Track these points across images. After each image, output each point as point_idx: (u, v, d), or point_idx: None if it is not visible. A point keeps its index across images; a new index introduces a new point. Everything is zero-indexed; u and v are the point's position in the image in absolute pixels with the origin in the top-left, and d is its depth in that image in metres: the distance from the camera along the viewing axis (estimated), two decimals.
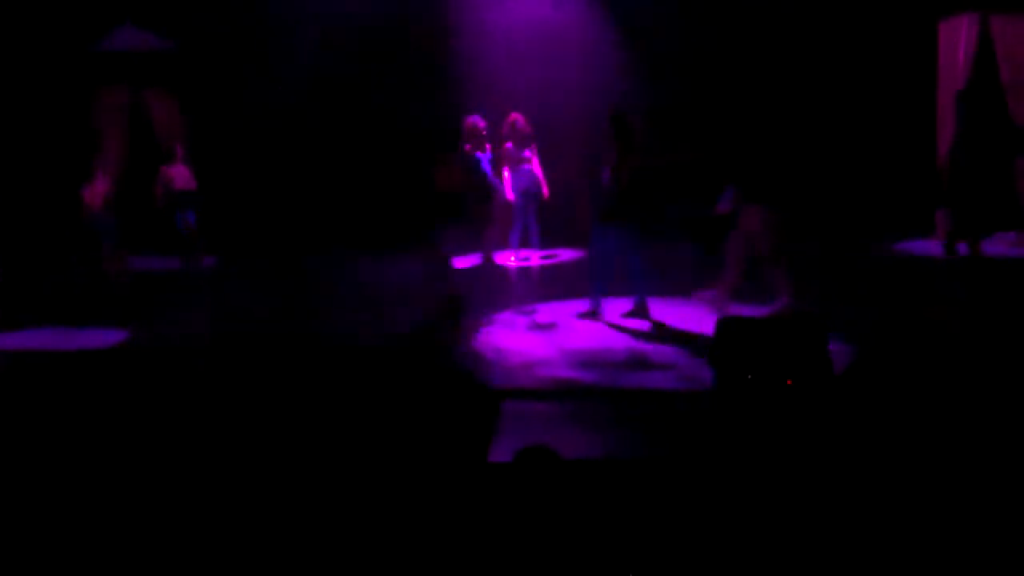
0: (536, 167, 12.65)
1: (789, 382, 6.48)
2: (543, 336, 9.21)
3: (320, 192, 14.70)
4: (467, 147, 12.21)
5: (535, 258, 12.91)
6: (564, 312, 10.03)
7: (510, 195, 12.48)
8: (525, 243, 12.93)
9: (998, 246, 12.76)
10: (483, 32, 14.17)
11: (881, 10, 13.63)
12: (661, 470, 5.10)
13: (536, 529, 2.67)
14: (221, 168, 14.64)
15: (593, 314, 9.64)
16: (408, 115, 14.24)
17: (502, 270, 12.60)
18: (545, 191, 12.65)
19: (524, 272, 12.59)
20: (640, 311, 9.59)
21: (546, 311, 10.12)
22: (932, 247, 12.42)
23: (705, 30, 14.13)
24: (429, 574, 2.50)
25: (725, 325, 7.13)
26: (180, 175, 13.66)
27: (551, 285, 11.48)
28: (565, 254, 13.67)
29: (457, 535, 2.56)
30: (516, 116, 12.58)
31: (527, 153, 12.56)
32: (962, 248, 11.39)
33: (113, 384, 8.20)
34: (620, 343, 8.84)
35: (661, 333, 9.11)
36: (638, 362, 8.25)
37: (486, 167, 12.32)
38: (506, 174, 12.50)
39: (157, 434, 6.23)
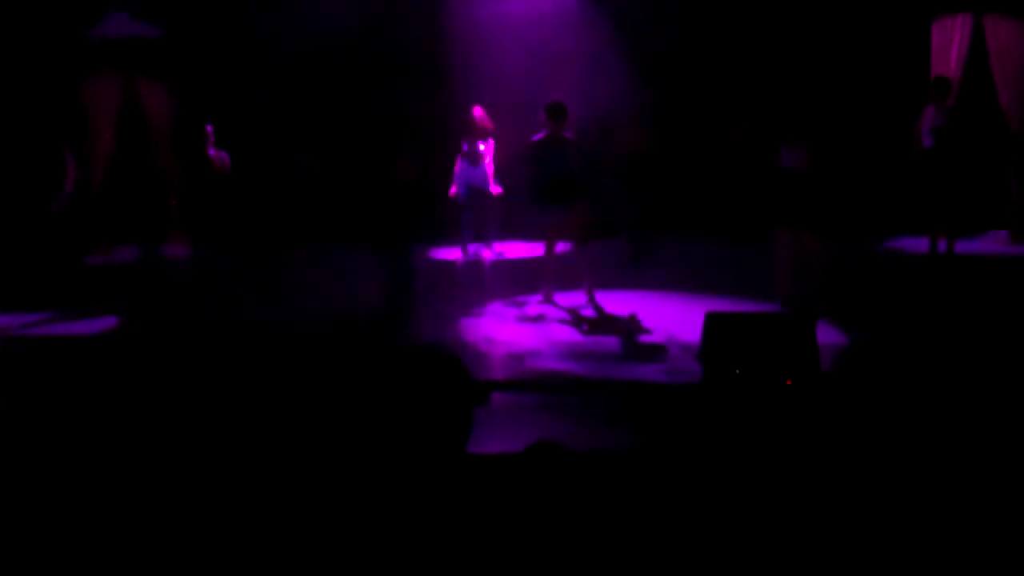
0: (488, 163, 12.61)
1: (779, 379, 6.51)
2: (533, 328, 9.21)
3: (308, 183, 14.66)
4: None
5: (488, 254, 12.94)
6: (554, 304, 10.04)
7: (453, 190, 12.59)
8: (478, 238, 12.98)
9: (991, 244, 12.79)
10: (476, 26, 14.13)
11: (874, 10, 13.63)
12: (648, 463, 5.10)
13: (530, 523, 2.66)
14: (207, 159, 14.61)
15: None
16: (398, 107, 14.21)
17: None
18: (493, 188, 12.64)
19: (473, 267, 12.63)
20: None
21: (536, 303, 10.12)
22: (919, 245, 12.44)
23: (696, 29, 14.14)
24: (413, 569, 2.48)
25: (714, 320, 7.16)
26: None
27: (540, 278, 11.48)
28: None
29: (442, 527, 2.54)
30: (474, 110, 12.60)
31: (475, 148, 12.55)
32: (940, 245, 11.40)
33: (95, 372, 8.18)
34: (610, 336, 8.84)
35: (651, 326, 9.11)
36: (628, 355, 8.26)
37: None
38: (456, 169, 12.57)
39: (136, 423, 6.22)
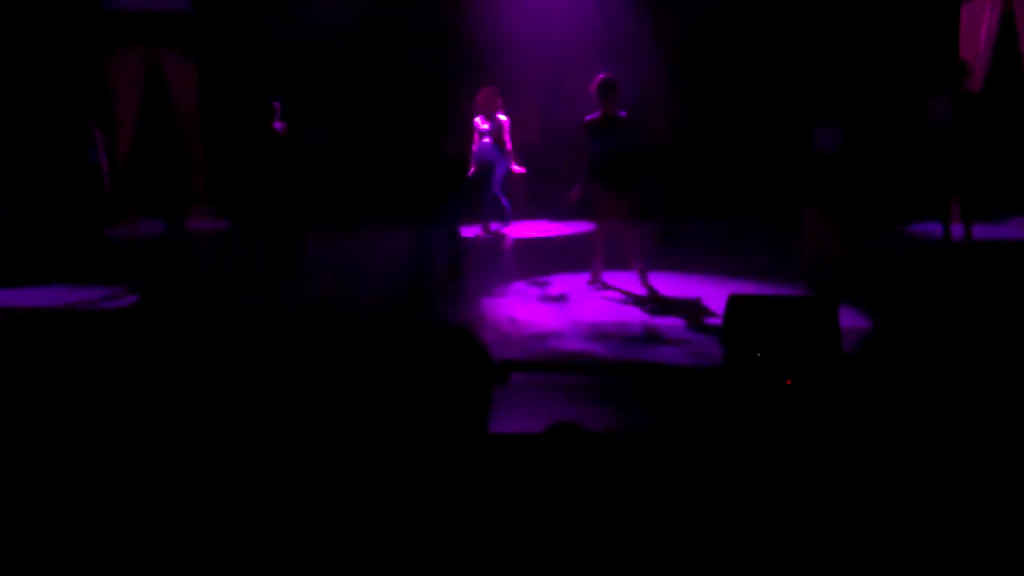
0: (507, 141, 12.58)
1: (800, 362, 6.50)
2: (556, 308, 9.23)
3: (333, 160, 14.68)
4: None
5: (501, 231, 12.96)
6: (577, 284, 10.04)
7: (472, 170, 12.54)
8: (492, 216, 12.97)
9: (1015, 230, 12.71)
10: (501, 8, 14.07)
11: None
12: (667, 446, 5.12)
13: (549, 503, 2.68)
14: (233, 133, 14.66)
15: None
16: (423, 83, 14.19)
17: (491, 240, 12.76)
18: (515, 167, 12.61)
19: (491, 244, 12.63)
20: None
21: (559, 283, 10.13)
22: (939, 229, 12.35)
23: (724, 11, 14.09)
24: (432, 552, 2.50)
25: (736, 303, 7.15)
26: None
27: (566, 257, 11.49)
28: (581, 227, 13.72)
29: (462, 505, 2.56)
30: (487, 88, 12.56)
31: (490, 126, 12.51)
32: (957, 231, 11.33)
33: (111, 346, 8.24)
34: (632, 317, 8.85)
35: (673, 308, 9.11)
36: (650, 337, 8.26)
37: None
38: (474, 148, 12.52)
39: (150, 398, 6.27)
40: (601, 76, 9.64)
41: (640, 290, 9.69)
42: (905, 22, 13.50)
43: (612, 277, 10.06)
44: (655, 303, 9.33)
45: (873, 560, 3.72)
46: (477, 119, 12.50)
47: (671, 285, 9.84)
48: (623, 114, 9.64)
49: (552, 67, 13.74)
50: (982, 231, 11.69)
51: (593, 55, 13.29)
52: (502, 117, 12.49)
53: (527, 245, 12.68)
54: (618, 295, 9.64)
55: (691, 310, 8.98)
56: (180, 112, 14.79)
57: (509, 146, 12.50)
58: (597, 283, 9.95)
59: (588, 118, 9.71)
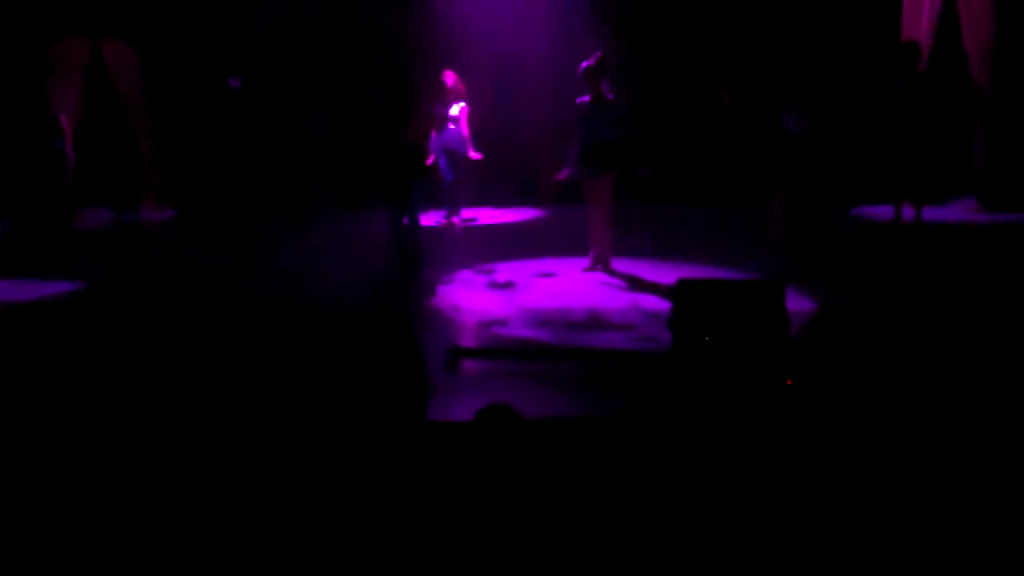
0: (464, 127, 12.53)
1: (748, 346, 6.51)
2: (502, 295, 9.19)
3: (280, 149, 14.55)
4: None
5: (456, 221, 12.90)
6: (524, 271, 10.01)
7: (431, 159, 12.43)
8: (447, 204, 12.91)
9: (958, 212, 12.84)
10: None
11: None
12: (617, 431, 5.11)
13: (495, 488, 2.65)
14: (180, 121, 14.48)
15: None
16: (374, 70, 14.10)
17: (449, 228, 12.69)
18: (472, 153, 12.57)
19: (443, 233, 12.56)
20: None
21: (505, 270, 10.09)
22: (888, 212, 12.46)
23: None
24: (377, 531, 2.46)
25: (684, 287, 7.15)
26: None
27: (511, 245, 11.46)
28: (525, 214, 13.70)
29: (402, 492, 2.53)
30: (445, 74, 12.49)
31: (450, 113, 12.44)
32: (907, 212, 11.45)
33: (66, 334, 8.12)
34: (579, 303, 8.83)
35: (621, 293, 9.10)
36: (597, 322, 8.25)
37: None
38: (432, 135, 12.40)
39: (108, 384, 6.18)
40: (585, 62, 9.59)
41: (602, 276, 9.72)
42: (847, 5, 13.60)
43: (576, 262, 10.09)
44: (614, 288, 9.32)
45: (821, 542, 3.72)
46: (437, 106, 12.41)
47: (630, 270, 9.84)
48: (611, 97, 9.60)
49: (502, 54, 13.68)
50: (929, 213, 11.81)
51: (547, 42, 13.29)
52: (461, 104, 12.42)
53: (473, 233, 12.62)
54: (613, 281, 9.60)
55: (643, 295, 8.98)
56: (123, 101, 14.57)
57: (466, 132, 12.44)
58: (603, 270, 9.88)
59: (579, 100, 9.70)
